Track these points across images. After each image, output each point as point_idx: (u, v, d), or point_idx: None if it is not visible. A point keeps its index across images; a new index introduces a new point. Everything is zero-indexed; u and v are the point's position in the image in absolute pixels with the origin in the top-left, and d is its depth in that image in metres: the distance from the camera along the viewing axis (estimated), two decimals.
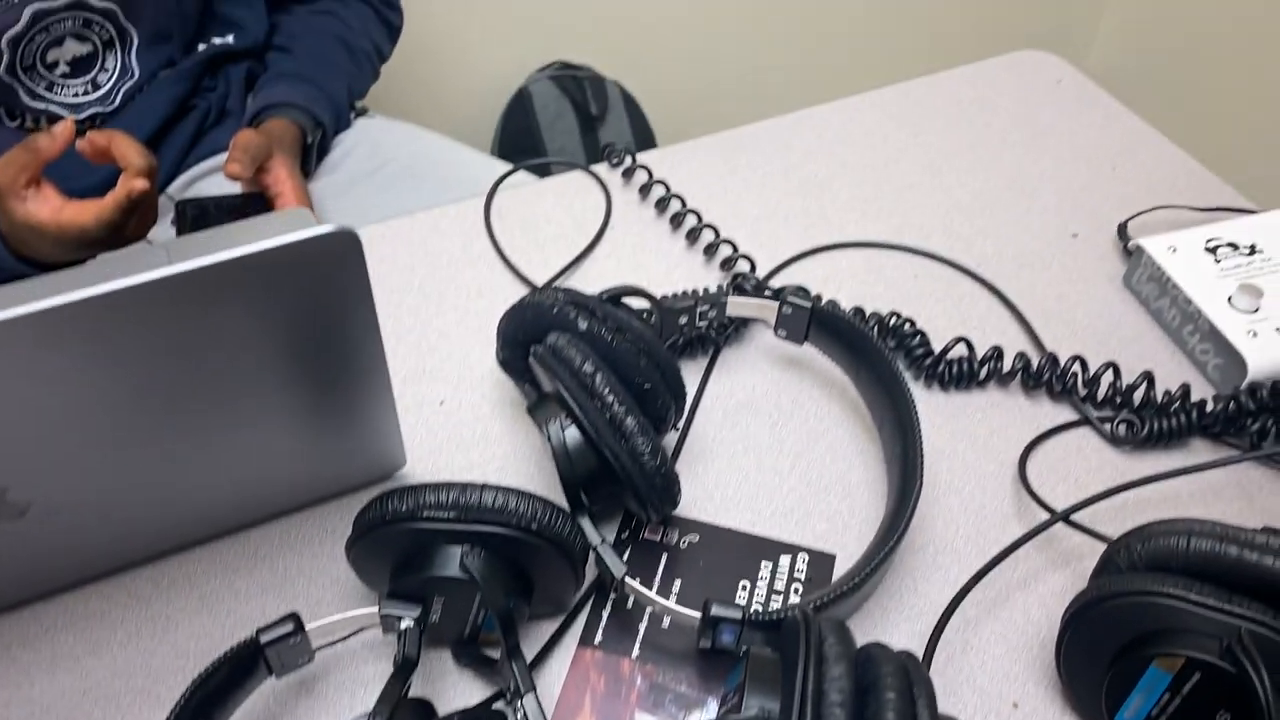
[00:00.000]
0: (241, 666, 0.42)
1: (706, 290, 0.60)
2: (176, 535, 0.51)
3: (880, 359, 0.54)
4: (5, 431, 0.39)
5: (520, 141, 1.72)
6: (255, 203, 0.91)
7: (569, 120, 1.73)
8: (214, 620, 0.50)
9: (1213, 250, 0.63)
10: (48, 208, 0.79)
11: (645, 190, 0.73)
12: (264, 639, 0.42)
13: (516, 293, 0.66)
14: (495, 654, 0.47)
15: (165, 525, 0.50)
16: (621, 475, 0.48)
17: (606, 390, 0.48)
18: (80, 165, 0.82)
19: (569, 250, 0.69)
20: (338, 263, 0.38)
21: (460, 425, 0.58)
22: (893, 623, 0.50)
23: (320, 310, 0.41)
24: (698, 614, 0.46)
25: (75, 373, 0.38)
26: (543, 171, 0.81)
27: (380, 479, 0.55)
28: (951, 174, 0.76)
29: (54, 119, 0.95)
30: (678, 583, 0.51)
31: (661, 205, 0.72)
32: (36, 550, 0.46)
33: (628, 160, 0.75)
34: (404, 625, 0.44)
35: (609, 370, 0.49)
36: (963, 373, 0.59)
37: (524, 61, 1.75)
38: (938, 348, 0.60)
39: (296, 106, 1.01)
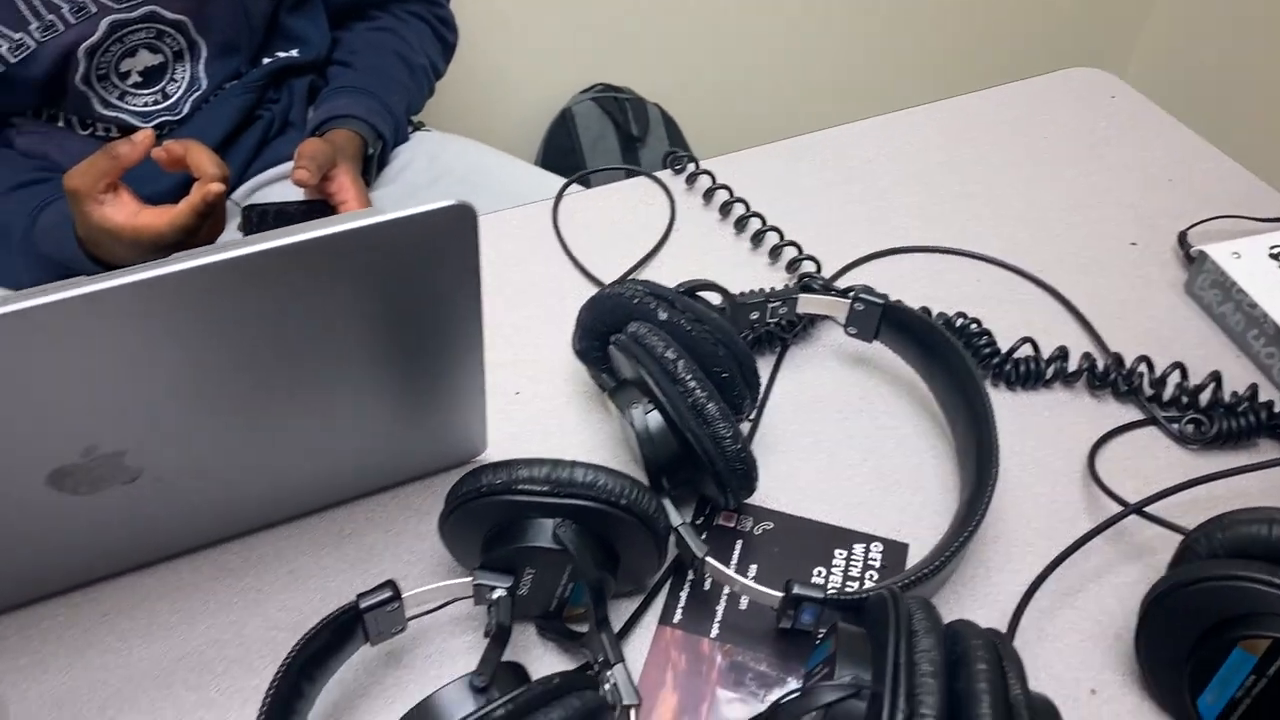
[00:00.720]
0: (341, 631, 0.44)
1: (774, 289, 0.61)
2: (267, 511, 0.53)
3: (954, 353, 0.55)
4: (127, 396, 0.40)
5: (563, 161, 1.75)
6: (319, 209, 0.94)
7: (610, 141, 1.76)
8: (303, 595, 0.51)
9: (1276, 256, 0.63)
10: (124, 212, 0.82)
11: (709, 195, 0.75)
12: (363, 604, 0.44)
13: (585, 291, 0.68)
14: (579, 629, 0.48)
15: (258, 500, 0.51)
16: (703, 458, 0.49)
17: (689, 376, 0.49)
18: (150, 171, 0.85)
19: (634, 253, 0.71)
20: (452, 238, 0.40)
21: (536, 415, 0.60)
22: (967, 611, 0.50)
23: (428, 287, 0.42)
24: (779, 594, 0.47)
25: (190, 341, 0.40)
26: (587, 184, 0.82)
27: (461, 464, 0.56)
28: (1008, 185, 0.77)
29: (124, 127, 0.98)
30: (753, 568, 0.52)
31: (725, 210, 0.73)
32: (140, 517, 0.47)
33: (691, 166, 0.76)
34: (496, 595, 0.45)
35: (690, 357, 0.50)
36: (1030, 372, 0.60)
37: (567, 83, 1.78)
38: (1003, 349, 0.61)
39: (358, 118, 1.04)
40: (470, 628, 0.50)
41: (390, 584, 0.44)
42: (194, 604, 0.50)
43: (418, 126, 1.19)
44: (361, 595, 0.44)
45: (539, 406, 0.60)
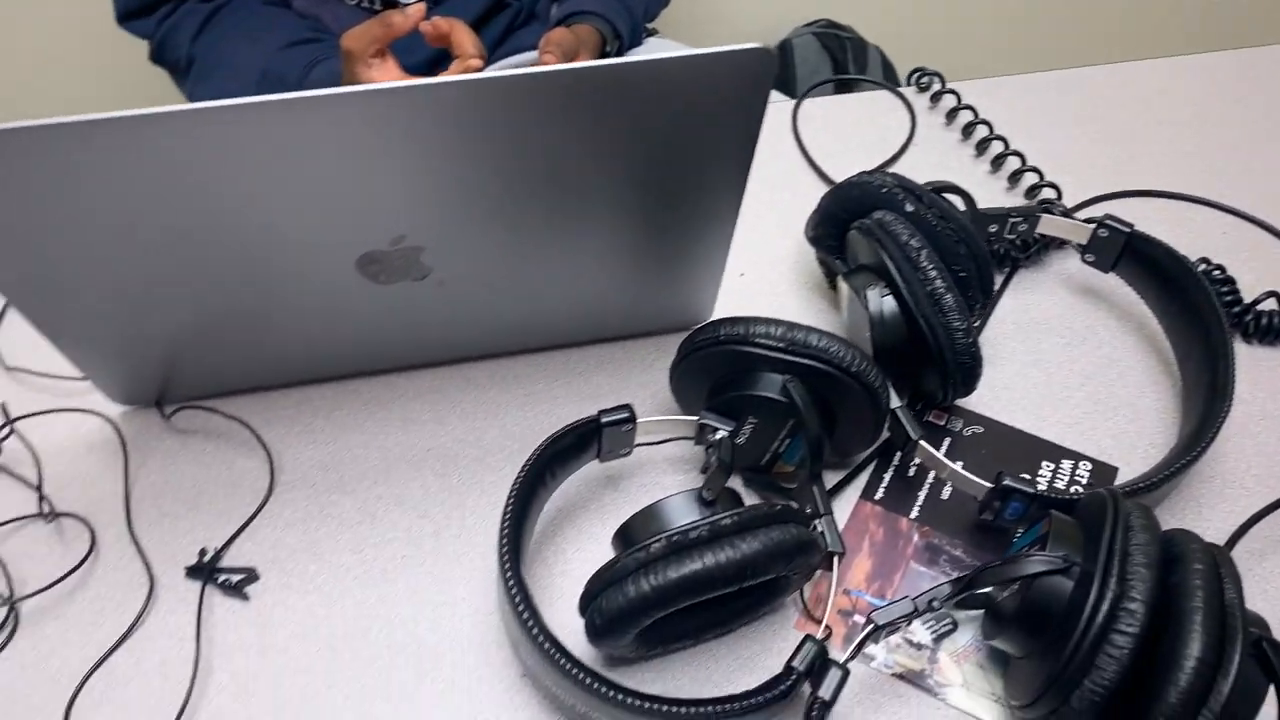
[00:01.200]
0: (581, 439, 0.48)
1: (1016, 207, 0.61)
2: (514, 338, 0.58)
3: (1197, 288, 0.54)
4: (434, 197, 0.45)
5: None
6: None
7: (824, 77, 1.74)
8: (535, 415, 0.56)
9: None
10: (389, 76, 0.88)
11: (951, 115, 0.75)
12: (604, 420, 0.48)
13: (817, 188, 0.70)
14: (787, 486, 0.51)
15: (509, 326, 0.56)
16: (932, 347, 0.51)
17: (930, 266, 0.51)
18: (410, 44, 0.91)
19: (868, 162, 0.72)
20: (745, 85, 0.43)
21: (759, 296, 0.63)
22: None
23: (708, 135, 0.45)
24: (987, 484, 0.48)
25: (490, 152, 0.43)
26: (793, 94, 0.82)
27: (686, 328, 0.60)
28: (1267, 144, 0.73)
29: (387, 1, 1.05)
30: (958, 464, 0.54)
31: (968, 131, 0.73)
32: (414, 318, 0.53)
33: (936, 84, 0.76)
34: (719, 435, 0.49)
35: (933, 249, 0.52)
36: (1272, 326, 0.58)
37: (791, 14, 1.77)
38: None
39: (600, 16, 1.08)
40: (683, 469, 0.54)
41: (628, 407, 0.48)
42: (443, 407, 0.56)
43: (651, 33, 1.22)
44: (603, 411, 0.48)
45: (763, 289, 0.63)
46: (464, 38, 0.88)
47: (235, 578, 0.49)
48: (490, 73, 0.84)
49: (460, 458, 0.54)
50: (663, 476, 0.53)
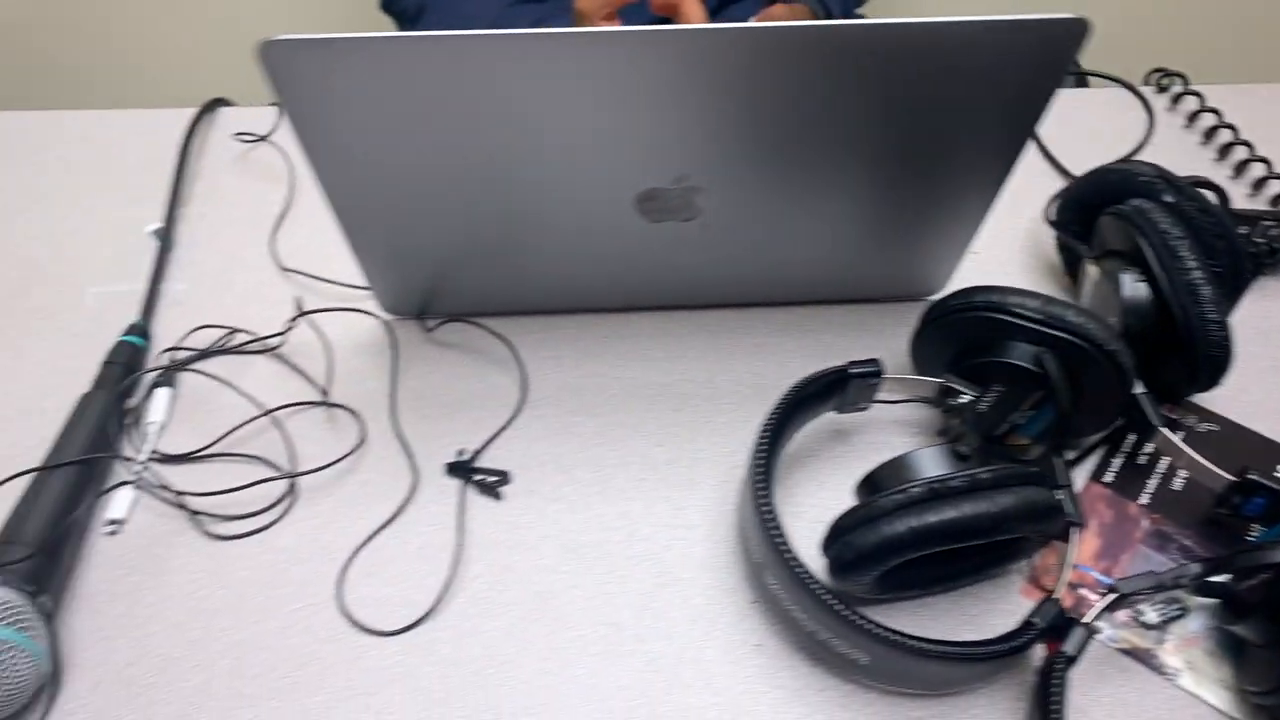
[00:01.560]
0: (827, 387, 0.50)
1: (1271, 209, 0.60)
2: (751, 290, 0.60)
3: None
4: (717, 139, 0.47)
5: None
6: None
7: None
8: (764, 365, 0.58)
9: None
10: None
11: (1192, 118, 0.73)
12: (852, 371, 0.50)
13: (1049, 176, 0.70)
14: (1021, 459, 0.52)
15: (750, 277, 0.59)
16: (1183, 337, 0.51)
17: (1190, 257, 0.51)
18: (635, 11, 0.94)
19: (1103, 156, 0.71)
20: (1047, 56, 0.43)
21: (991, 275, 0.62)
22: None
23: (993, 102, 0.46)
24: (1231, 477, 0.48)
25: (769, 100, 0.45)
26: None
27: (916, 298, 0.61)
28: None
29: None
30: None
31: (1209, 135, 0.72)
32: (671, 258, 0.56)
33: (1178, 85, 0.75)
34: (962, 400, 0.50)
35: (1195, 241, 0.52)
36: None
37: (987, 12, 1.73)
38: None
39: None
40: (910, 431, 0.55)
41: (876, 361, 0.50)
42: (678, 348, 0.59)
43: (857, 18, 1.23)
44: (851, 363, 0.50)
45: (995, 268, 0.64)
46: (692, 9, 0.90)
47: (490, 478, 0.53)
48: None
49: (693, 396, 0.57)
50: (892, 437, 0.55)
